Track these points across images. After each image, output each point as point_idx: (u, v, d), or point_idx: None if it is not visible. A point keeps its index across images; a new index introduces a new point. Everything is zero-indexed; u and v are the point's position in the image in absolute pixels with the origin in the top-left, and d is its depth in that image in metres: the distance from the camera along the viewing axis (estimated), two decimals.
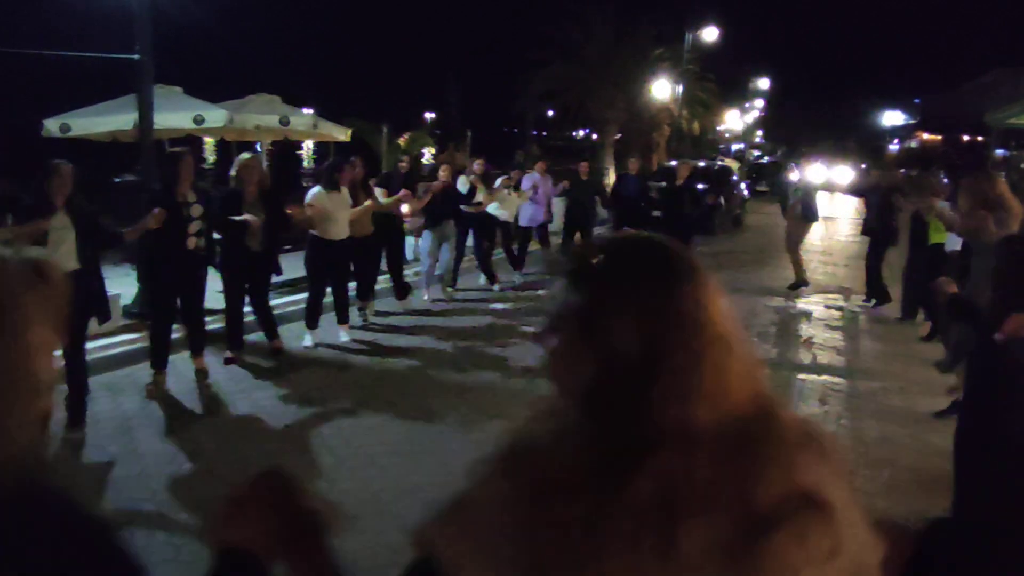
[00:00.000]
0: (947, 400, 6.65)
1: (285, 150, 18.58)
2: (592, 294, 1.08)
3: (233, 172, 7.53)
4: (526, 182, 12.94)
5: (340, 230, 8.34)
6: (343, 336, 8.59)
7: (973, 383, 3.68)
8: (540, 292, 11.55)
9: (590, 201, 14.32)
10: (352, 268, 9.02)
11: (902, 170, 12.39)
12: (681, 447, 0.99)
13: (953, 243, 8.45)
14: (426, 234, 10.63)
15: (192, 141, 14.76)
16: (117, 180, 12.23)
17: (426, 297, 10.65)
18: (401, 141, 21.47)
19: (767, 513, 0.95)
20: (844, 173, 40.74)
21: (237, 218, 7.23)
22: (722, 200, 20.47)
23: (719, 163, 27.78)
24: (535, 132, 45.82)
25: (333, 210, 8.25)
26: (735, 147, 58.76)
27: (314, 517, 1.25)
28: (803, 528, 0.96)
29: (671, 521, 0.95)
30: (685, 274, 1.08)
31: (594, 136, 37.96)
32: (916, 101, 68.27)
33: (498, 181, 12.14)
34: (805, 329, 10.05)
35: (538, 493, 1.01)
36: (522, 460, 1.08)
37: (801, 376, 7.91)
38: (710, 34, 31.22)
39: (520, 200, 12.56)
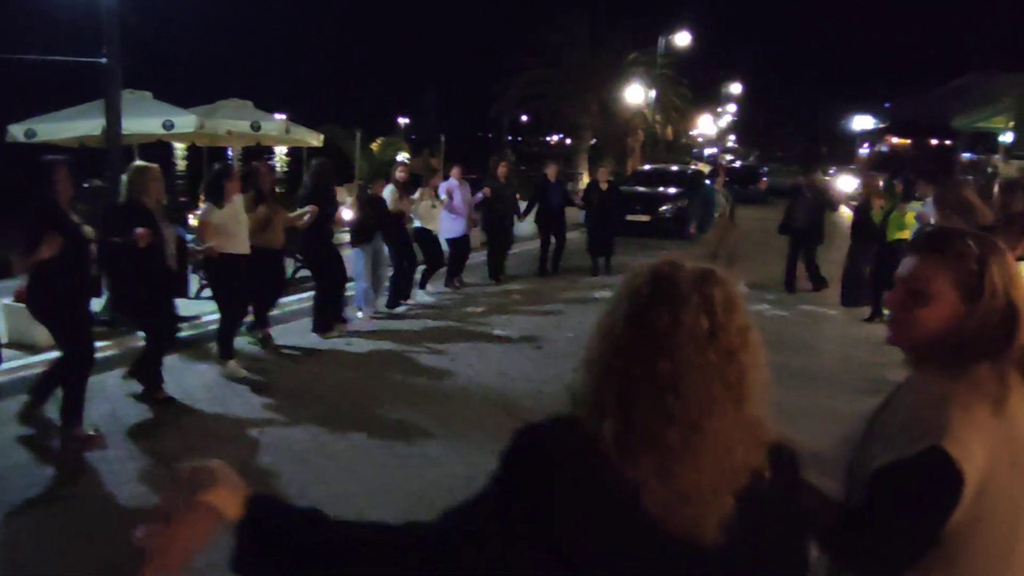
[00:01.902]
0: None
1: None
2: (980, 269, 1.66)
3: (125, 181, 6.53)
4: (441, 190, 11.69)
5: (241, 243, 7.54)
6: (224, 370, 7.52)
7: None
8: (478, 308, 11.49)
9: (508, 211, 13.11)
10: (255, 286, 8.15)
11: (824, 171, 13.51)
12: None
13: None
14: (357, 251, 9.88)
15: (162, 147, 14.61)
16: (85, 185, 12.02)
17: (360, 315, 9.88)
18: (374, 146, 21.38)
19: None
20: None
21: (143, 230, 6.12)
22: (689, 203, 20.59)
23: (692, 167, 27.90)
24: (510, 137, 45.92)
25: (229, 223, 7.44)
26: (708, 151, 59.18)
27: None
28: None
29: None
30: None
31: (568, 141, 38.07)
32: (886, 105, 69.05)
33: (416, 192, 11.14)
34: (793, 325, 10.10)
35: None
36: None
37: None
38: (683, 39, 31.42)
39: (440, 209, 11.51)
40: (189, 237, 8.18)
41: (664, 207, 19.79)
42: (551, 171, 14.05)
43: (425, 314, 10.40)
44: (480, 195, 12.58)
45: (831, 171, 40.32)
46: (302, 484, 5.20)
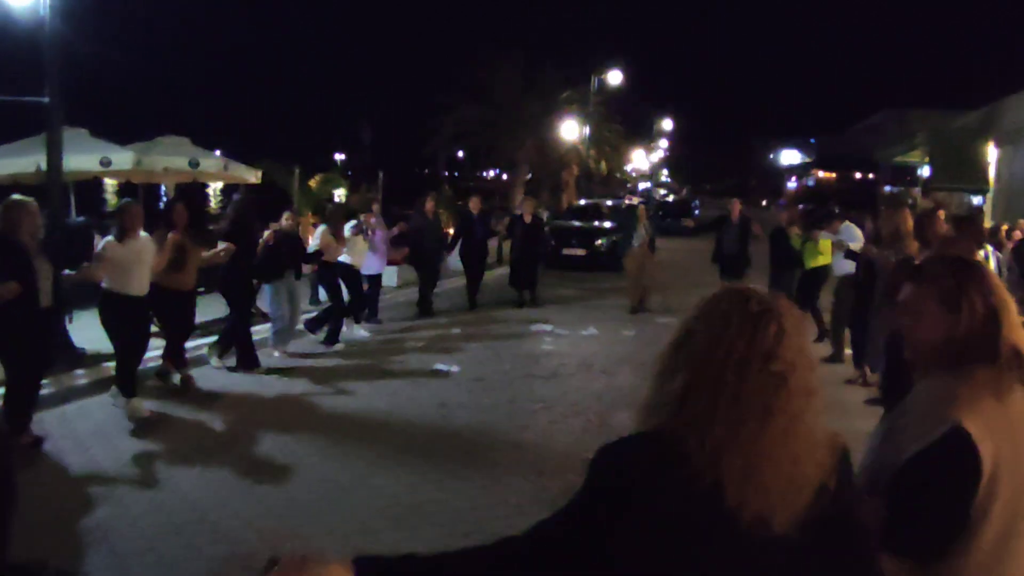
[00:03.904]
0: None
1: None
2: (957, 284, 1.96)
3: None
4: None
5: (139, 284, 7.31)
6: (126, 408, 7.18)
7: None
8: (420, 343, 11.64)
9: (435, 246, 13.19)
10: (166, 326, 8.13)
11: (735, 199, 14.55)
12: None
13: (842, 267, 9.72)
14: (270, 288, 9.72)
15: (95, 183, 14.49)
16: None
17: (276, 354, 9.65)
18: (312, 183, 21.41)
19: None
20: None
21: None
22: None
23: (627, 202, 28.49)
24: (446, 173, 46.23)
25: (129, 261, 7.20)
26: (643, 185, 60.29)
27: None
28: None
29: None
30: None
31: (504, 176, 38.47)
32: (811, 141, 71.36)
33: (347, 228, 10.93)
34: None
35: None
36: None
37: None
38: (615, 77, 32.19)
39: (364, 246, 11.41)
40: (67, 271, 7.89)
41: (599, 241, 20.17)
42: (473, 204, 14.29)
43: (359, 351, 10.46)
44: (395, 230, 12.70)
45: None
46: (249, 516, 5.29)
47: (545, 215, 26.88)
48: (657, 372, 1.56)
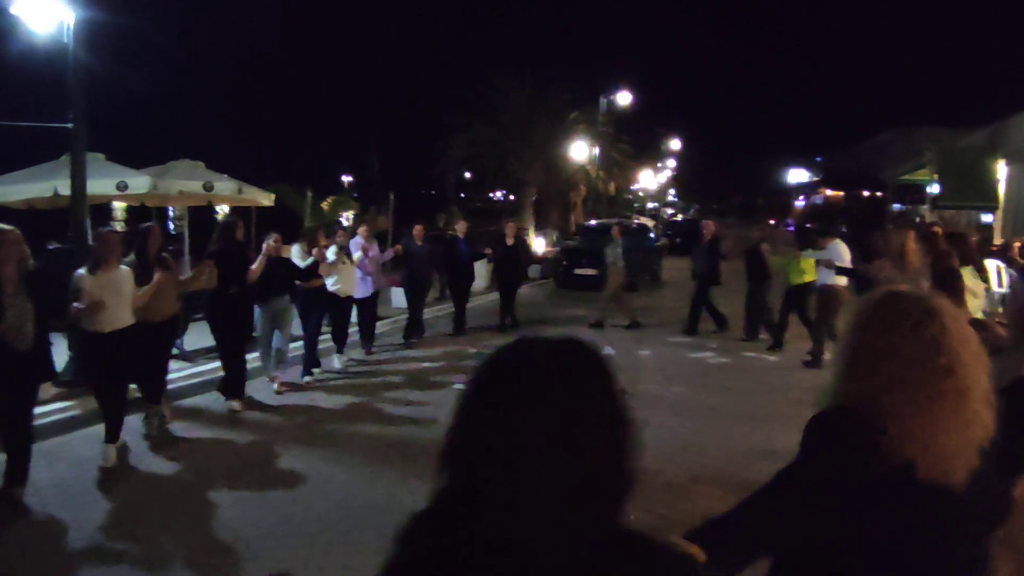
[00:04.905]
0: None
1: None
2: None
3: None
4: (352, 248, 11.11)
5: (114, 318, 6.59)
6: (104, 453, 6.64)
7: None
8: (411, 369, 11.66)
9: (425, 271, 13.15)
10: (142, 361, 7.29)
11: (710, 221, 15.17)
12: None
13: (824, 277, 10.62)
14: (257, 311, 9.25)
15: (104, 207, 14.57)
16: (49, 247, 11.84)
17: (275, 386, 9.17)
18: (324, 205, 21.54)
19: None
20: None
21: None
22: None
23: (636, 221, 28.56)
24: (462, 195, 46.47)
25: (102, 294, 6.48)
26: (650, 205, 60.36)
27: None
28: None
29: None
30: None
31: (512, 197, 38.57)
32: (818, 159, 71.49)
33: (330, 253, 10.32)
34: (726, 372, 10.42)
35: None
36: None
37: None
38: (623, 98, 32.39)
39: (351, 268, 10.87)
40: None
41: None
42: (460, 227, 14.22)
43: (377, 371, 10.54)
44: (390, 252, 12.70)
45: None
46: (281, 535, 5.31)
47: (555, 236, 27.05)
48: (837, 370, 1.87)
